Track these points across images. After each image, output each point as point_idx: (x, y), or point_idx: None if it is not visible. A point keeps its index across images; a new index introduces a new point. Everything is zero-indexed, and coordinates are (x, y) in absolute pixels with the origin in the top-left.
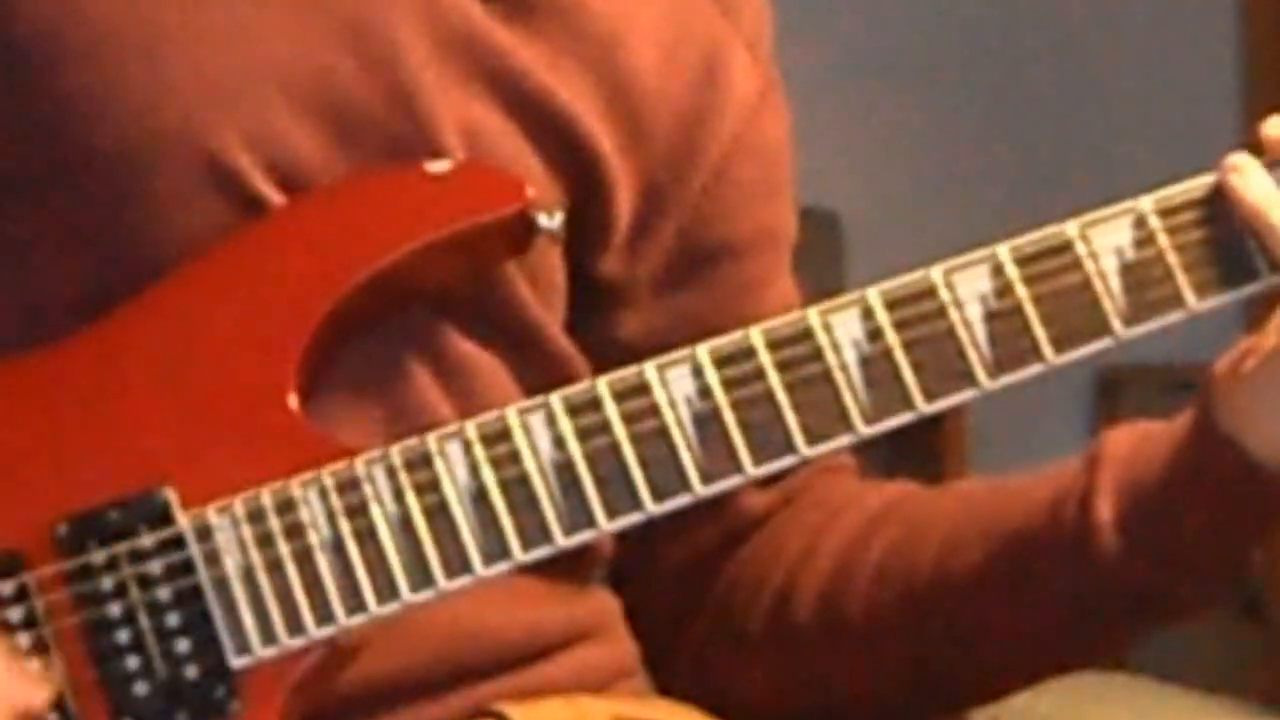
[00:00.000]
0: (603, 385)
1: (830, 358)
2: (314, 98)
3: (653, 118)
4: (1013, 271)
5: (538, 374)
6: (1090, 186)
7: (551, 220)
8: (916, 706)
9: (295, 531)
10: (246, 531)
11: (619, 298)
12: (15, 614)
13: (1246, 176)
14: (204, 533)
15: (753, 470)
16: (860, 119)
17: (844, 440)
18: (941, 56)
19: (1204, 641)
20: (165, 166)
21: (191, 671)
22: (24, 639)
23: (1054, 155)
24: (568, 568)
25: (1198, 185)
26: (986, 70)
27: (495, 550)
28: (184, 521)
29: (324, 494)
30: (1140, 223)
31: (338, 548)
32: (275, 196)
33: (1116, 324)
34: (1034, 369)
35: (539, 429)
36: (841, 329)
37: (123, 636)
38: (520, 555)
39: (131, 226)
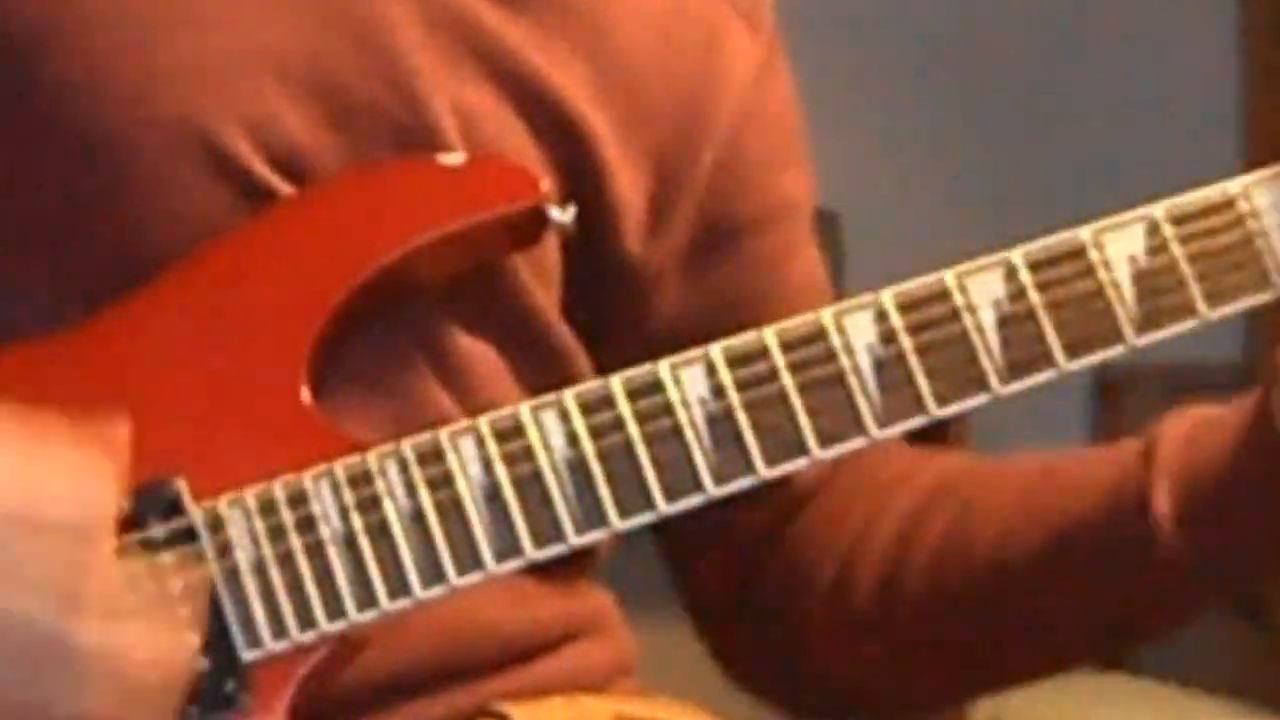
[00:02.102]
0: (616, 383)
1: (844, 360)
2: (307, 81)
3: (653, 98)
4: (1026, 276)
5: (538, 367)
6: (1090, 186)
7: (564, 214)
8: (962, 688)
9: (307, 525)
10: (258, 524)
11: (646, 282)
12: None
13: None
14: (215, 524)
15: (765, 471)
16: (860, 119)
17: (857, 443)
18: (942, 57)
19: (1204, 641)
20: (162, 153)
21: (201, 664)
22: None
23: (1054, 155)
24: (566, 565)
25: (1212, 192)
26: (987, 70)
27: (507, 547)
28: (195, 513)
29: (336, 487)
30: (1154, 230)
31: (349, 542)
32: (273, 180)
33: (1129, 331)
34: (1046, 375)
35: (552, 426)
36: (855, 331)
37: None
38: (532, 552)
39: (130, 215)
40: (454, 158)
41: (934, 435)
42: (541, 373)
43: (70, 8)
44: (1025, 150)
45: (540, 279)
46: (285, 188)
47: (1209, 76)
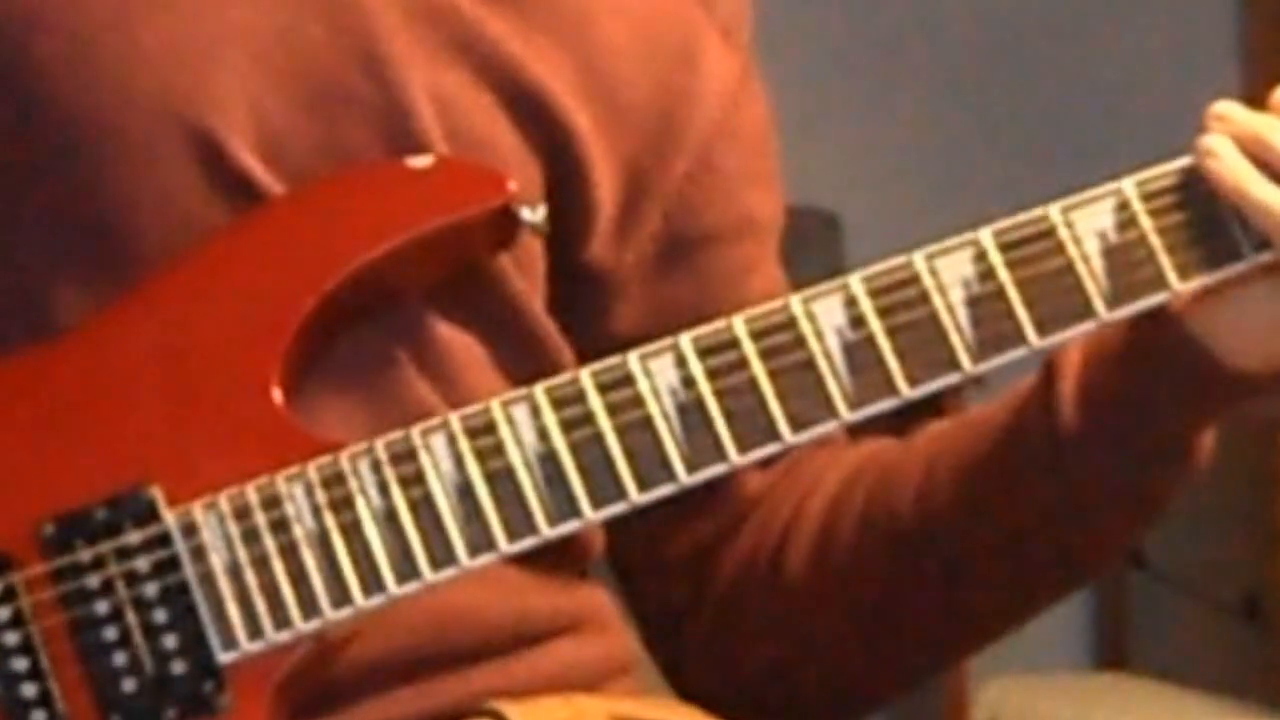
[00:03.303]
0: (586, 377)
1: (813, 345)
2: (283, 63)
3: (629, 97)
4: (995, 256)
5: (521, 356)
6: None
7: (535, 214)
8: (913, 662)
9: (281, 526)
10: (232, 527)
11: (610, 288)
12: (3, 613)
13: (1222, 157)
14: (190, 529)
15: (737, 458)
16: (860, 119)
17: (828, 426)
18: (941, 56)
19: (1204, 641)
20: (142, 134)
21: (179, 667)
22: (11, 638)
23: (1054, 155)
24: (557, 560)
25: (1179, 167)
26: (986, 70)
27: (481, 542)
28: (170, 519)
29: (309, 489)
30: (1123, 205)
31: (323, 542)
32: (251, 163)
33: (1100, 306)
34: (1017, 352)
35: (523, 421)
36: (824, 316)
37: (110, 633)
38: (505, 546)
39: (111, 195)
40: (422, 160)
41: (928, 415)
42: (525, 363)
43: None
44: (1025, 151)
45: (522, 269)
46: (261, 170)
47: (1209, 76)
